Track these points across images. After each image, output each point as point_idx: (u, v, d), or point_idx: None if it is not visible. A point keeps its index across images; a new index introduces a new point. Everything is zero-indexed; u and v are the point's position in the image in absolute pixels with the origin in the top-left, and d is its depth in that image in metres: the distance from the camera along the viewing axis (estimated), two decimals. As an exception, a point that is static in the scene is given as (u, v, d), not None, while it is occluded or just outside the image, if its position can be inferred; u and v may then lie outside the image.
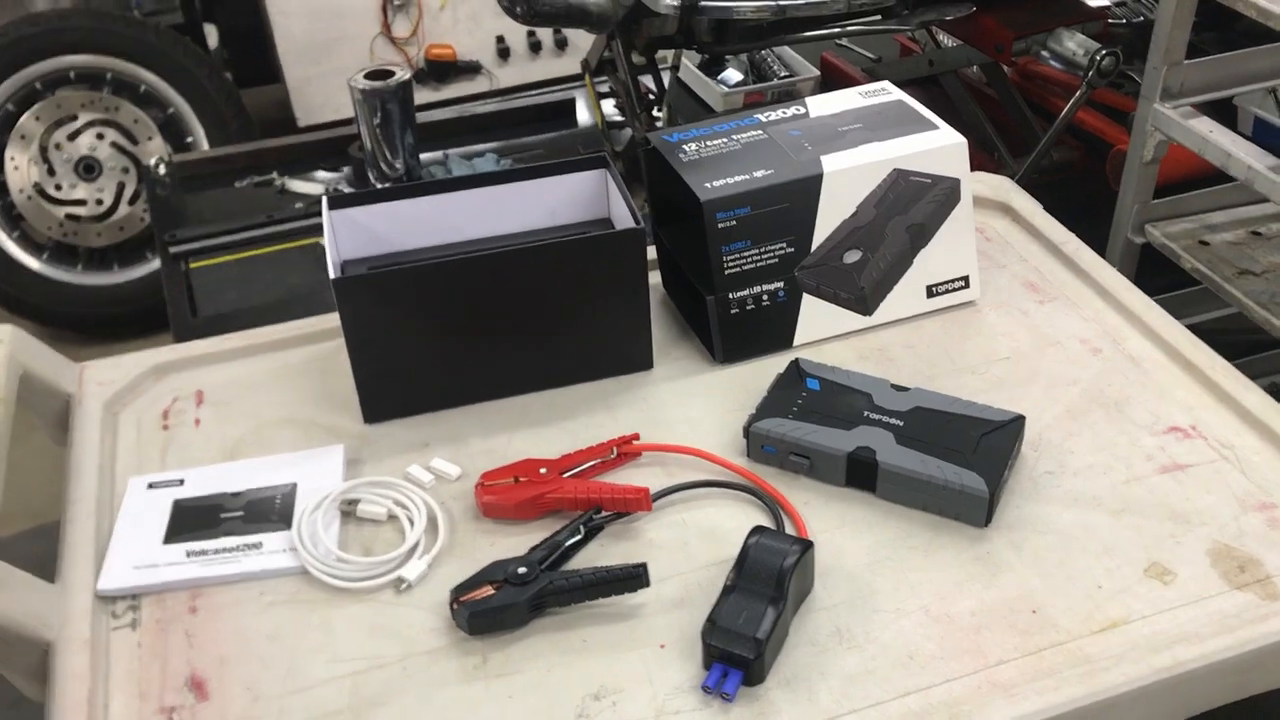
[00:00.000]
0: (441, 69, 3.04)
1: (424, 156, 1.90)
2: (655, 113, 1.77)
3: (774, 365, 0.91)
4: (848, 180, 0.90)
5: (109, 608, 0.74)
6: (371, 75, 1.81)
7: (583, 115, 2.17)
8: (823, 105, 0.99)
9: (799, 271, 0.91)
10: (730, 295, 0.90)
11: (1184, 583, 0.72)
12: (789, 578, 0.69)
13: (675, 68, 1.71)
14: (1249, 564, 0.73)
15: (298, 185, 1.88)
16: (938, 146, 0.93)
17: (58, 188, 2.53)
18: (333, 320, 0.99)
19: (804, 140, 0.94)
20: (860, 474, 0.79)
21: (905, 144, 0.92)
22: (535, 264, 0.84)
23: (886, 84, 1.02)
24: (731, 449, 0.84)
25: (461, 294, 0.84)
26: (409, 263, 0.84)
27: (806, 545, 0.71)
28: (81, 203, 2.55)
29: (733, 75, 2.10)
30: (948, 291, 0.96)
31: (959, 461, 0.77)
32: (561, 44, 3.10)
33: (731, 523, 0.78)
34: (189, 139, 2.66)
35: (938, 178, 0.93)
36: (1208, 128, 1.20)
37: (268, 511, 0.80)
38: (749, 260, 0.90)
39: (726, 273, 0.89)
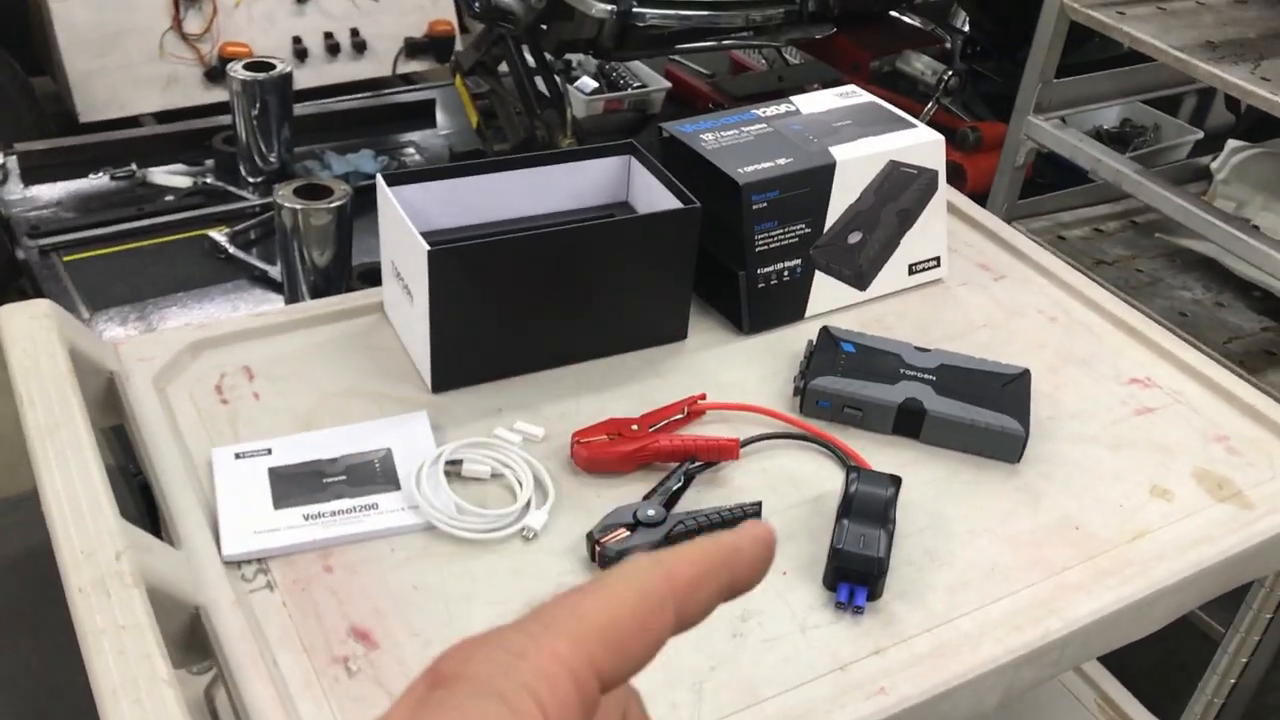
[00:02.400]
0: (237, 68, 2.95)
1: (296, 150, 1.87)
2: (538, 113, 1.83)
3: (791, 334, 1.01)
4: (855, 169, 1.02)
5: (237, 572, 0.75)
6: (250, 66, 1.78)
7: (440, 117, 2.19)
8: (809, 104, 1.10)
9: (814, 250, 1.02)
10: (758, 271, 0.99)
11: (1182, 499, 0.87)
12: (892, 506, 0.79)
13: (564, 71, 1.78)
14: (1224, 482, 0.89)
15: (161, 178, 1.81)
16: (922, 142, 1.06)
17: None
18: (359, 298, 1.01)
19: (808, 134, 1.04)
20: (907, 422, 0.90)
21: (895, 139, 1.05)
22: (605, 239, 0.91)
23: (854, 87, 1.15)
24: (781, 404, 0.93)
25: (535, 267, 0.89)
26: (487, 236, 0.88)
27: (898, 480, 0.81)
28: None
29: (588, 83, 2.19)
30: (924, 270, 1.09)
31: (993, 407, 0.90)
32: (360, 48, 3.08)
33: (806, 469, 0.87)
34: (-24, 135, 2.47)
35: (922, 169, 1.06)
36: (1076, 138, 1.41)
37: (370, 475, 0.82)
38: (775, 240, 0.99)
39: (757, 250, 0.99)
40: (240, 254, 1.63)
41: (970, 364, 0.94)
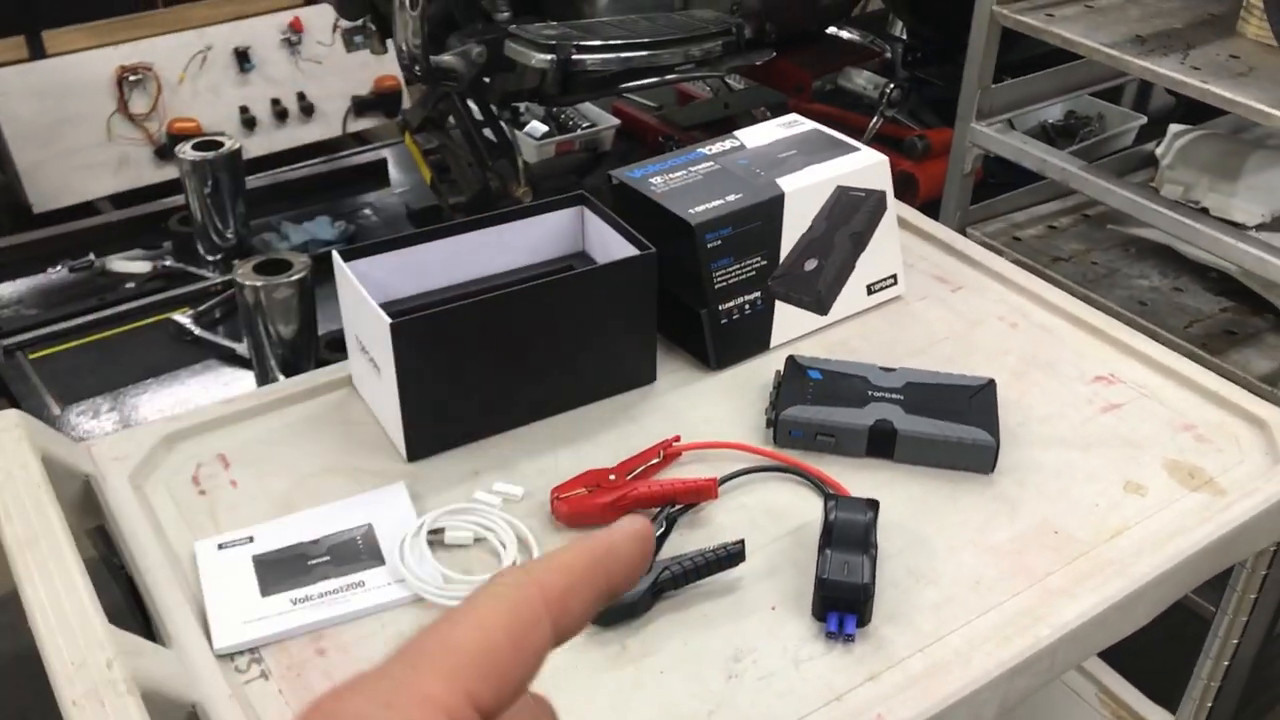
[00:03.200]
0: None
1: (252, 223, 1.88)
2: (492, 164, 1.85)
3: (758, 366, 1.02)
4: (803, 198, 1.03)
5: (230, 664, 0.75)
6: (199, 146, 1.78)
7: (394, 175, 2.20)
8: (753, 138, 1.12)
9: (771, 281, 1.03)
10: (719, 308, 1.01)
11: (1155, 492, 0.89)
12: (873, 531, 0.80)
13: (511, 120, 1.79)
14: (1195, 471, 0.91)
15: (119, 265, 1.81)
16: (866, 165, 1.07)
17: None
18: (325, 375, 1.01)
19: (754, 167, 1.06)
20: (879, 443, 0.91)
21: (841, 164, 1.06)
22: (567, 293, 0.92)
23: (796, 116, 1.16)
24: (755, 438, 0.94)
25: (499, 327, 0.90)
26: (446, 303, 0.89)
27: (875, 504, 0.82)
28: None
29: (538, 127, 2.21)
30: (882, 289, 1.11)
31: (962, 421, 0.91)
32: (308, 111, 3.09)
33: (784, 500, 0.88)
34: (-75, 231, 2.46)
35: (869, 191, 1.07)
36: (1020, 140, 1.43)
37: (354, 552, 0.83)
38: (733, 275, 1.00)
39: (716, 287, 1.00)
40: (206, 334, 1.63)
41: (936, 379, 0.96)
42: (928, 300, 1.12)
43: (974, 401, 0.93)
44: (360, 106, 3.10)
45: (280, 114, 3.03)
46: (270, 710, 0.72)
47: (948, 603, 0.79)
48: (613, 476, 0.87)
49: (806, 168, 1.06)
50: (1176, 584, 0.84)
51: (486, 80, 1.63)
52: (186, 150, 1.75)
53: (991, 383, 0.95)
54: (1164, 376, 1.01)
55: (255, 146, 2.99)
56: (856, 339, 1.07)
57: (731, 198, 1.01)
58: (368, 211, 2.02)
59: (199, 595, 0.79)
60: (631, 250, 0.97)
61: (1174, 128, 1.71)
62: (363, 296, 0.89)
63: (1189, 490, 0.89)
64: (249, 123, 3.00)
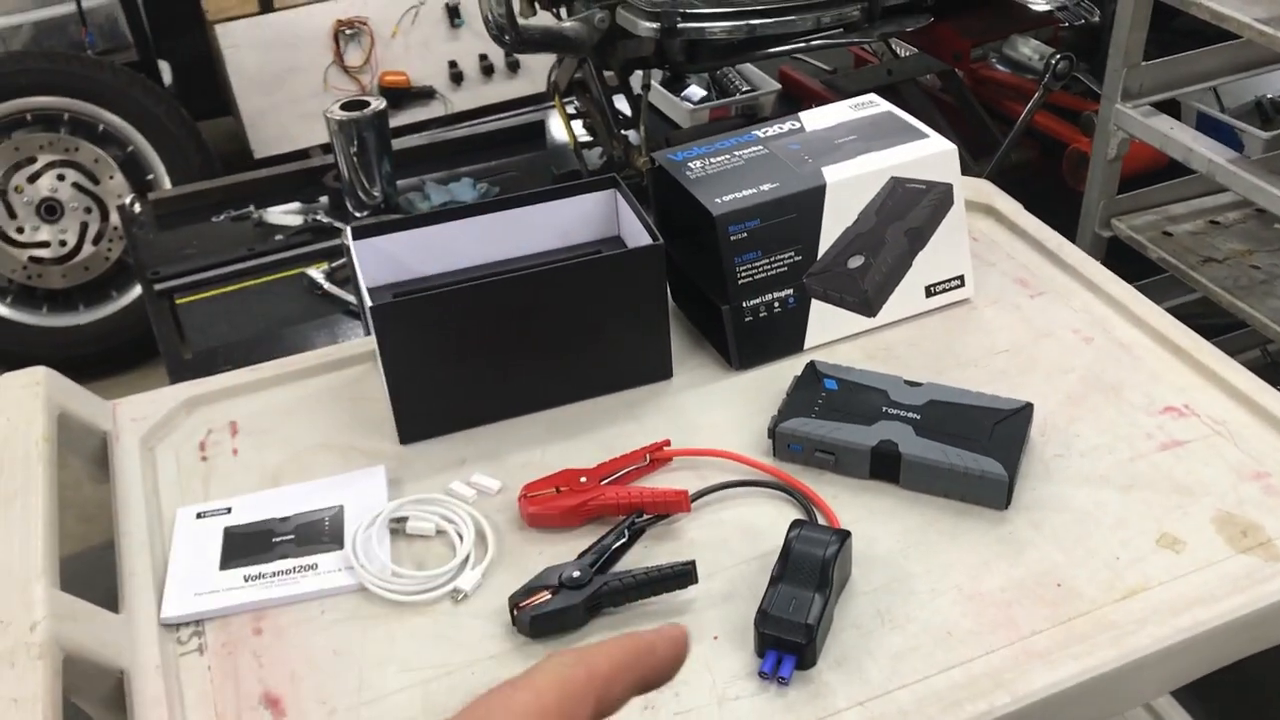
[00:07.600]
0: (395, 95, 3.04)
1: (400, 183, 1.93)
2: (624, 131, 1.82)
3: (788, 368, 0.95)
4: (849, 190, 0.95)
5: (174, 635, 0.77)
6: (347, 106, 1.84)
7: (552, 136, 2.21)
8: (817, 119, 1.04)
9: (807, 278, 0.96)
10: (744, 304, 0.94)
11: (1194, 550, 0.77)
12: (832, 566, 0.73)
13: (647, 87, 1.75)
14: (1251, 529, 0.78)
15: (275, 217, 1.90)
16: (930, 154, 0.98)
17: (19, 230, 2.53)
18: (356, 347, 1.02)
19: (804, 154, 0.98)
20: (884, 466, 0.84)
21: (900, 153, 0.97)
22: (563, 282, 0.88)
23: (873, 96, 1.07)
24: (757, 449, 0.88)
25: (493, 314, 0.88)
26: (440, 287, 0.87)
27: (844, 535, 0.75)
28: (45, 244, 2.55)
29: (696, 92, 2.16)
30: (945, 291, 1.01)
31: (977, 449, 0.82)
32: (514, 67, 3.14)
33: (766, 519, 0.82)
34: (150, 176, 2.66)
35: (931, 183, 0.98)
36: (1168, 125, 1.27)
37: (318, 533, 0.83)
38: (760, 270, 0.94)
39: (740, 282, 0.94)
40: (335, 290, 1.69)
41: (964, 399, 0.87)
42: (999, 305, 1.02)
43: (1000, 428, 0.84)
44: (582, 63, 3.12)
45: (487, 69, 3.10)
46: (194, 685, 0.73)
47: (910, 653, 0.72)
48: (584, 479, 0.84)
49: (860, 156, 0.97)
50: (1195, 659, 0.73)
51: (611, 48, 1.59)
52: (334, 111, 1.81)
53: (1028, 407, 0.85)
54: (1248, 412, 0.88)
55: (461, 100, 3.08)
56: (904, 345, 0.98)
57: (766, 187, 0.94)
58: (515, 173, 2.03)
59: (167, 563, 0.82)
60: (647, 240, 0.92)
61: (1389, 111, 1.49)
62: (358, 275, 0.89)
63: (1236, 551, 0.77)
64: (456, 77, 3.08)
